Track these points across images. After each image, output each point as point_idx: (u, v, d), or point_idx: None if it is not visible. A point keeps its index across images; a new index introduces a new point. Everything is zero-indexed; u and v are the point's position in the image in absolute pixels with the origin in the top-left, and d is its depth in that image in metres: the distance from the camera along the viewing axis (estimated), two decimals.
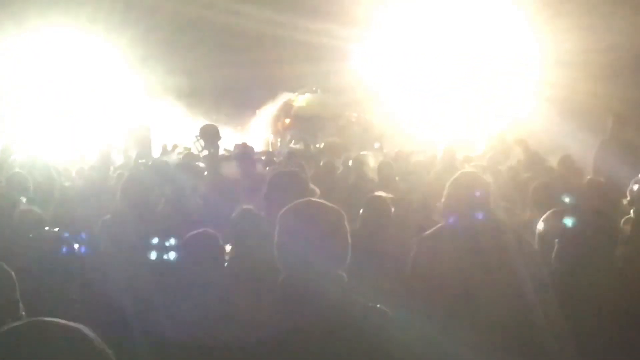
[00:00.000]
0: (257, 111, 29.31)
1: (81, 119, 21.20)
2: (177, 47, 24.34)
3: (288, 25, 22.38)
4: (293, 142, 23.58)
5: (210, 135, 9.56)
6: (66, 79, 22.11)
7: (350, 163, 12.25)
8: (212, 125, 10.11)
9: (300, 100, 29.01)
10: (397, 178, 10.79)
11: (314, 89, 29.33)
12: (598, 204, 7.20)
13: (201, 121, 20.72)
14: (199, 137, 9.74)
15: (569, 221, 6.93)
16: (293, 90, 29.25)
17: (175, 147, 15.15)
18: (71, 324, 2.18)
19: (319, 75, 29.14)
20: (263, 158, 13.77)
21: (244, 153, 8.77)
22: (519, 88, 19.91)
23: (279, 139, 26.54)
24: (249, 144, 12.68)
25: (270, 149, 21.70)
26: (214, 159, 9.15)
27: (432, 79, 21.73)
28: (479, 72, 20.95)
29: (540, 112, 17.20)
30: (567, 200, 7.52)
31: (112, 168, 11.67)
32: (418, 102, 21.73)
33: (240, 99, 27.71)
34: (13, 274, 4.10)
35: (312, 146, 18.03)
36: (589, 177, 9.04)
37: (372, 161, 12.06)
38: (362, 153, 13.99)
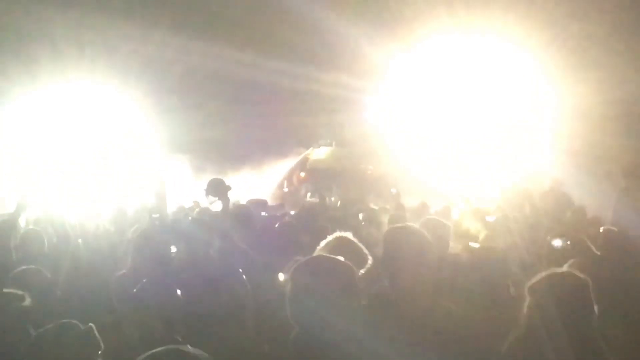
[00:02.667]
0: (273, 164, 29.36)
1: (97, 173, 21.25)
2: (193, 100, 24.51)
3: (303, 78, 22.51)
4: (309, 195, 23.57)
5: (217, 188, 9.68)
6: (82, 134, 22.24)
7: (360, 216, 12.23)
8: (218, 178, 10.13)
9: (315, 153, 29.08)
10: None
11: (328, 141, 29.41)
12: (615, 254, 7.15)
13: (214, 175, 20.79)
14: (207, 193, 9.83)
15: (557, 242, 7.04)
16: (308, 142, 29.36)
17: (196, 204, 15.05)
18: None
19: (334, 127, 29.28)
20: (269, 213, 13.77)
21: (240, 213, 8.69)
22: (535, 140, 19.91)
23: (295, 193, 26.55)
24: (258, 198, 12.77)
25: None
26: (225, 211, 9.15)
27: (448, 130, 21.75)
28: (495, 123, 20.98)
29: (556, 163, 17.18)
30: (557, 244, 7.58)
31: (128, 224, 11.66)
32: (433, 154, 21.72)
33: (256, 152, 27.78)
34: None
35: (327, 199, 18.00)
36: (603, 227, 8.98)
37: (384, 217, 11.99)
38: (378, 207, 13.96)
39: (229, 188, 9.67)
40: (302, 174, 28.36)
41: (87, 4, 20.77)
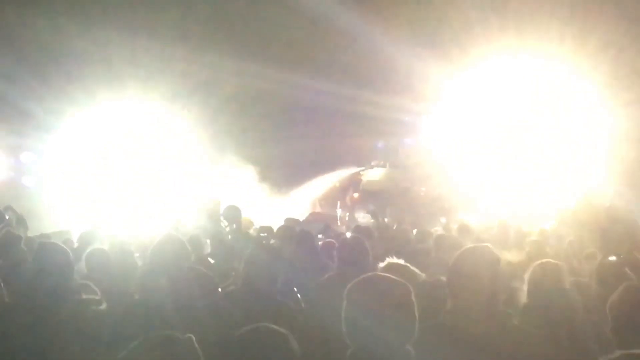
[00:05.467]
0: (326, 185, 29.35)
1: (153, 193, 21.40)
2: (249, 121, 24.62)
3: (357, 100, 22.58)
4: (362, 216, 23.55)
5: (231, 215, 11.09)
6: (137, 155, 22.44)
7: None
8: (234, 206, 11.38)
9: (368, 174, 29.04)
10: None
11: (382, 163, 29.37)
12: None
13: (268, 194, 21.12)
14: (222, 218, 11.03)
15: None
16: (362, 165, 29.35)
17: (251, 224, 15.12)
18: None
19: (388, 149, 29.28)
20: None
21: (303, 236, 8.84)
22: (589, 162, 19.73)
23: (348, 214, 26.51)
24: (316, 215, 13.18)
25: (339, 224, 21.65)
26: (237, 235, 10.56)
27: (502, 152, 21.64)
28: (550, 145, 20.83)
29: (608, 185, 17.01)
30: None
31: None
32: (487, 176, 21.61)
33: (310, 173, 27.83)
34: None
35: (380, 221, 17.98)
36: None
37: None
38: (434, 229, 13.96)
39: (240, 214, 11.18)
40: (356, 195, 28.32)
41: (145, 26, 21.05)
